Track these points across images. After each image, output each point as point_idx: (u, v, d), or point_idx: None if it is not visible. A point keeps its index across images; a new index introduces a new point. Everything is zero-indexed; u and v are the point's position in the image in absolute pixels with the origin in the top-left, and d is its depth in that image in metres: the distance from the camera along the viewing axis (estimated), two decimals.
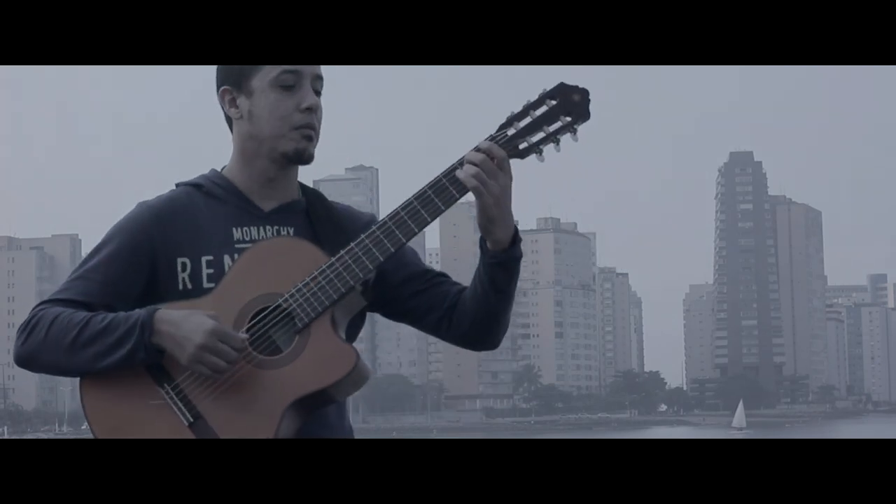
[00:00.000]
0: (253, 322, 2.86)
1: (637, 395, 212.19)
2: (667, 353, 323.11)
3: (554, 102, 2.86)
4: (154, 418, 2.85)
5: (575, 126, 2.86)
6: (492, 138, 2.87)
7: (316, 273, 2.85)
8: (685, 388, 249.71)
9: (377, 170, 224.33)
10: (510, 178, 2.86)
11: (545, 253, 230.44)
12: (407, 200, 2.88)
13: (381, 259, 2.87)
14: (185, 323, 2.81)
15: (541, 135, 2.86)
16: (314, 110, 2.97)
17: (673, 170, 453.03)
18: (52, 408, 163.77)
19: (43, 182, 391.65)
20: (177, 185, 3.07)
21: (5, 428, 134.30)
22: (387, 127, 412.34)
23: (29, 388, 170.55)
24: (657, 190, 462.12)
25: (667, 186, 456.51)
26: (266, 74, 2.96)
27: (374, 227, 2.88)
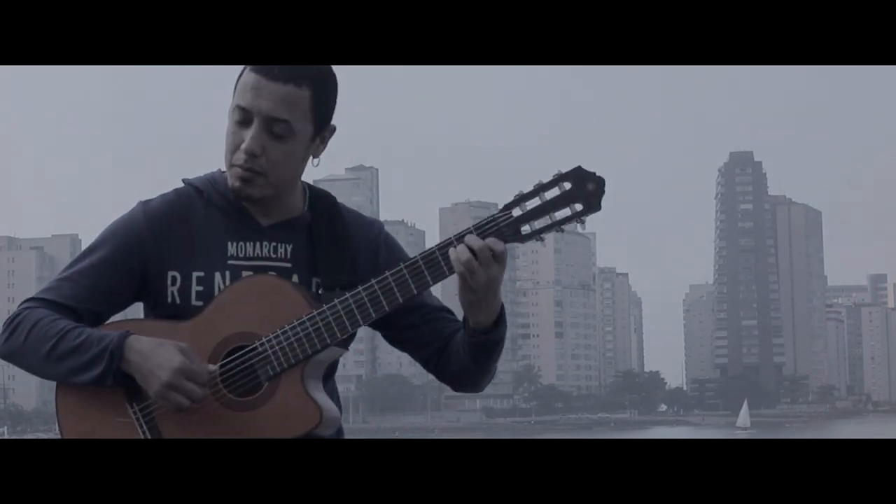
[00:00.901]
0: (227, 360, 2.84)
1: (637, 395, 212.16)
2: (667, 353, 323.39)
3: (568, 186, 2.76)
4: (117, 436, 2.86)
5: (583, 217, 2.77)
6: (493, 219, 2.78)
7: (296, 323, 2.82)
8: (685, 388, 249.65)
9: (377, 170, 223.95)
10: (503, 268, 2.79)
11: (545, 253, 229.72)
12: (397, 268, 2.82)
13: (361, 324, 2.84)
14: (153, 356, 2.80)
15: (546, 220, 2.77)
16: (247, 154, 2.85)
17: (673, 170, 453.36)
18: (53, 408, 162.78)
19: (43, 182, 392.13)
20: (183, 182, 3.01)
21: (5, 428, 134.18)
22: (387, 127, 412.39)
23: (29, 388, 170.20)
24: (657, 190, 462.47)
25: (667, 186, 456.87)
26: (232, 101, 2.89)
27: (360, 289, 2.83)
